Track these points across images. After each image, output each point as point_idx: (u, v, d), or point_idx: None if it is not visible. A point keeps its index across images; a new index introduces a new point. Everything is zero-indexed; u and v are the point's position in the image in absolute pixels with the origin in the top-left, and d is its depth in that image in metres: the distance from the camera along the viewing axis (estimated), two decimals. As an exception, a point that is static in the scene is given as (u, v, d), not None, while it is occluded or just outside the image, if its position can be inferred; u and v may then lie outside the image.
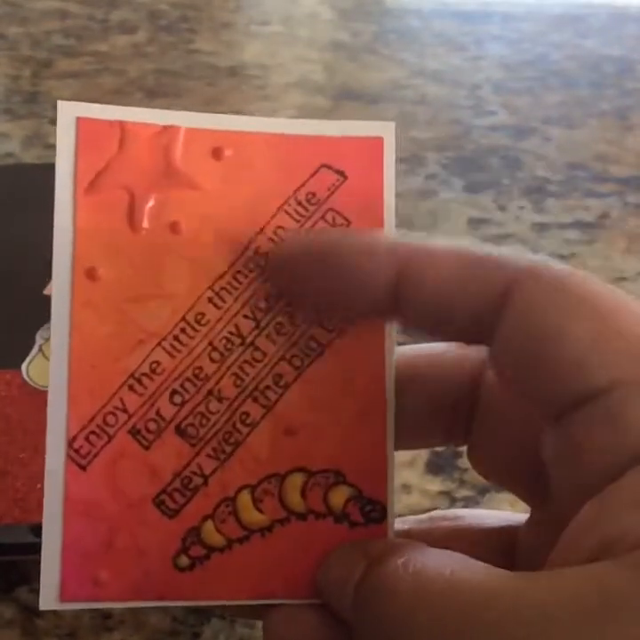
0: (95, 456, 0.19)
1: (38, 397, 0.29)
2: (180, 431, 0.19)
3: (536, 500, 0.20)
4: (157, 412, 0.19)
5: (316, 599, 0.19)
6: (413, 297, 0.18)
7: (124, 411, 0.19)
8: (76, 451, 0.19)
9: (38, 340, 0.31)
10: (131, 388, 0.19)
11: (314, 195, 0.20)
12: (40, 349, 0.31)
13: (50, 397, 0.19)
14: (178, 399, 0.19)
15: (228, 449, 0.19)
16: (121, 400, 0.19)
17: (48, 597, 0.19)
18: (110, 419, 0.19)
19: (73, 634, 0.27)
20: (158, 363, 0.19)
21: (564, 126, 0.50)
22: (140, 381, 0.19)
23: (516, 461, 0.20)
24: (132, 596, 0.19)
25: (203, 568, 0.19)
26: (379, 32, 0.64)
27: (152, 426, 0.19)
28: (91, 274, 0.19)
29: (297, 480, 0.19)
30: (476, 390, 0.20)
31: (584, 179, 0.46)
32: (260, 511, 0.19)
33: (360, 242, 0.18)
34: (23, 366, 0.30)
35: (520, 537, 0.20)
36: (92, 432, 0.19)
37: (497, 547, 0.20)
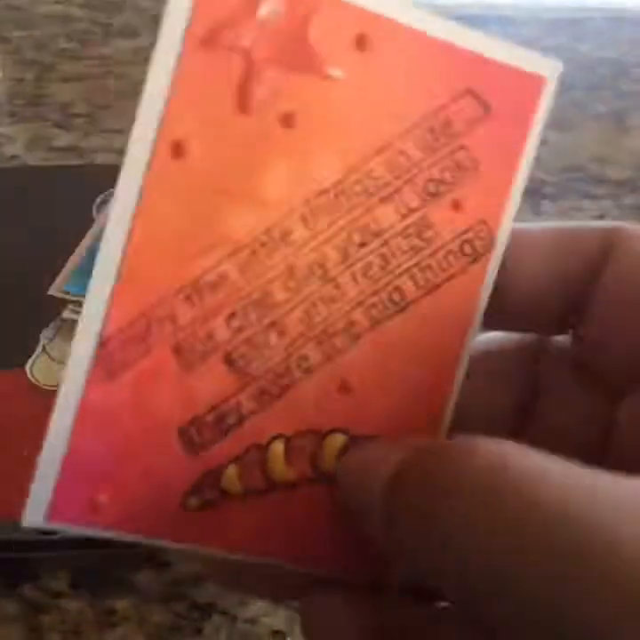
0: (127, 366, 0.16)
1: (43, 397, 0.29)
2: (228, 360, 0.17)
3: None
4: (209, 333, 0.16)
5: (333, 572, 0.17)
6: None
7: (173, 322, 0.16)
8: (108, 354, 0.16)
9: (42, 340, 0.32)
10: (187, 297, 0.16)
11: (450, 124, 0.17)
12: (44, 349, 0.31)
13: (89, 290, 0.16)
14: (236, 323, 0.16)
15: (275, 391, 0.17)
16: (172, 308, 0.16)
17: (34, 513, 0.16)
18: (155, 327, 0.16)
19: (77, 630, 0.27)
20: (226, 276, 0.16)
21: (560, 129, 0.50)
22: (199, 292, 0.16)
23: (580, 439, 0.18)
24: (129, 527, 0.16)
25: (212, 513, 0.17)
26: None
27: (199, 347, 0.16)
28: (178, 148, 0.15)
29: (337, 442, 0.17)
30: (535, 377, 0.19)
31: (580, 181, 0.46)
32: (290, 465, 0.17)
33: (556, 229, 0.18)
34: (28, 366, 0.31)
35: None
36: (131, 337, 0.16)
37: None
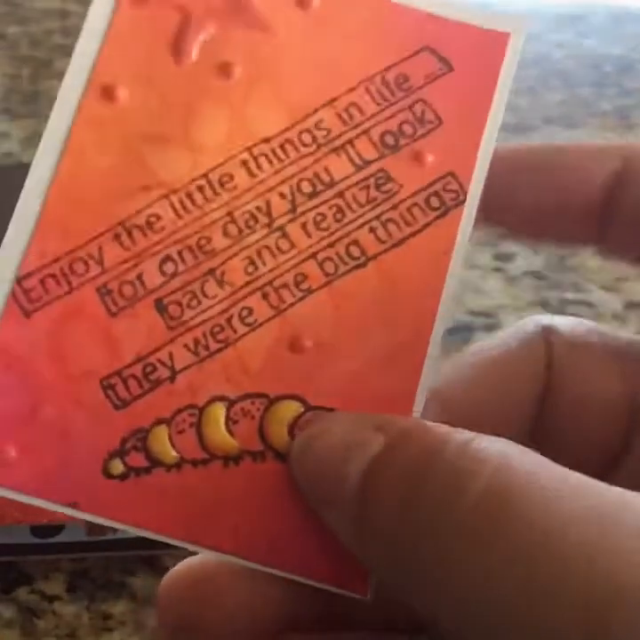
0: (46, 304, 0.15)
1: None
2: (159, 306, 0.15)
3: None
4: (139, 276, 0.16)
5: (273, 568, 0.15)
6: (634, 197, 0.16)
7: (99, 262, 0.15)
8: (25, 291, 0.15)
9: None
10: (116, 237, 0.15)
11: (407, 79, 0.17)
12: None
13: (12, 221, 0.15)
14: (169, 268, 0.16)
15: (213, 346, 0.15)
16: (99, 248, 0.15)
17: None
18: (79, 266, 0.15)
19: (72, 634, 0.27)
20: (159, 218, 0.16)
21: (564, 126, 0.50)
22: (129, 233, 0.16)
23: (587, 448, 0.18)
24: (38, 489, 0.15)
25: (137, 482, 0.15)
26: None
27: (128, 290, 0.15)
28: (108, 92, 0.16)
29: (288, 409, 0.15)
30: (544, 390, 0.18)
31: (584, 178, 0.46)
32: (231, 434, 0.15)
33: (574, 144, 0.17)
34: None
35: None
36: (52, 275, 0.15)
37: None
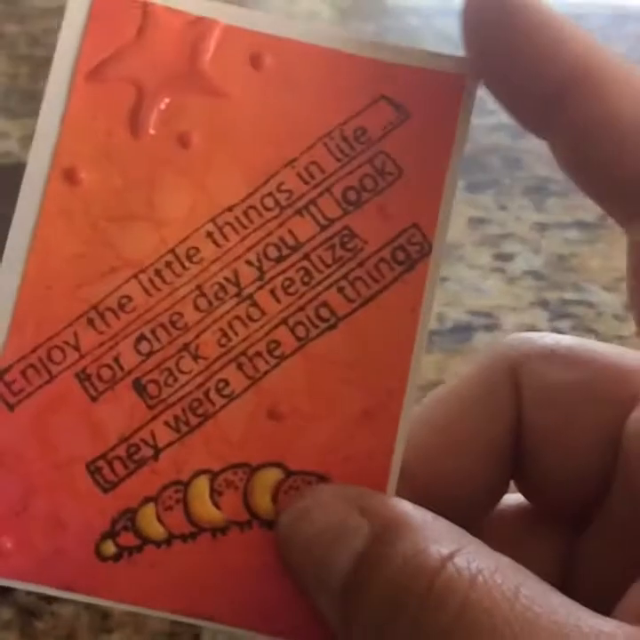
0: (28, 396, 0.16)
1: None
2: (138, 387, 0.16)
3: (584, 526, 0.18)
4: (116, 359, 0.16)
5: (269, 634, 0.15)
6: (585, 93, 0.15)
7: (76, 348, 0.16)
8: (7, 385, 0.16)
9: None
10: (90, 322, 0.16)
11: (365, 131, 0.16)
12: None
13: None
14: (144, 348, 0.16)
15: (194, 421, 0.16)
16: (75, 335, 0.16)
17: None
18: (56, 354, 0.16)
19: (71, 635, 0.27)
20: (130, 299, 0.16)
21: (564, 125, 0.50)
22: (102, 317, 0.16)
23: (567, 487, 0.18)
24: (35, 576, 0.15)
25: (130, 562, 0.16)
26: (378, 31, 0.63)
27: (106, 374, 0.16)
28: (70, 175, 0.16)
29: (270, 477, 0.16)
30: (519, 429, 0.18)
31: (584, 178, 0.46)
32: (217, 506, 0.16)
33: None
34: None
35: (581, 548, 0.18)
36: (32, 366, 0.16)
37: None
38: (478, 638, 0.12)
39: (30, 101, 0.51)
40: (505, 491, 0.19)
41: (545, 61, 0.15)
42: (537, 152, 0.48)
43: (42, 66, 0.54)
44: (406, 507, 0.14)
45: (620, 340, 0.37)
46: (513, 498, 0.20)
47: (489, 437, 0.18)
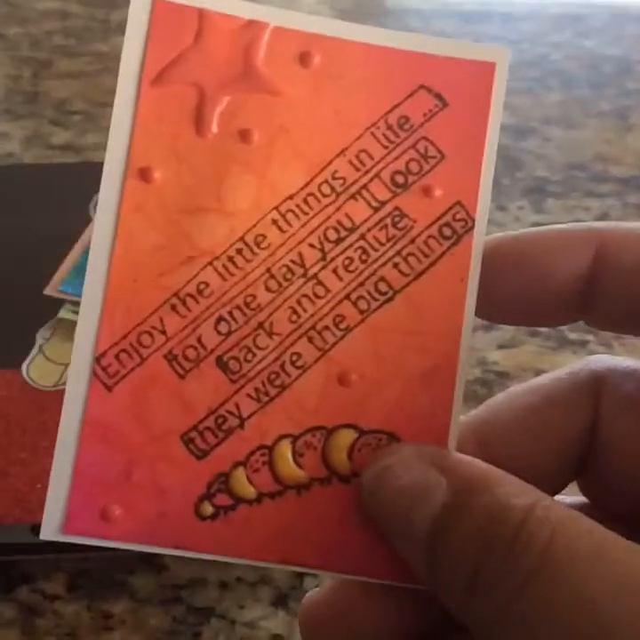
0: (123, 377, 0.17)
1: (39, 397, 0.29)
2: (221, 363, 0.17)
3: None
4: (199, 339, 0.17)
5: (353, 575, 0.17)
6: (611, 279, 0.17)
7: (163, 332, 0.17)
8: (104, 368, 0.17)
9: (39, 339, 0.31)
10: (173, 308, 0.17)
11: (407, 119, 0.18)
12: (40, 349, 0.31)
13: (82, 308, 0.17)
14: (224, 328, 0.18)
15: (272, 391, 0.18)
16: (160, 320, 0.17)
17: (50, 527, 0.17)
18: (145, 339, 0.17)
19: (73, 633, 0.27)
20: (207, 284, 0.17)
21: (563, 126, 0.50)
22: (184, 302, 0.17)
23: (632, 490, 0.19)
24: (143, 538, 0.17)
25: (226, 519, 0.17)
26: (379, 32, 0.64)
27: (191, 353, 0.17)
28: (145, 175, 0.17)
29: (345, 437, 0.18)
30: (591, 428, 0.19)
31: (584, 179, 0.46)
32: (299, 466, 0.17)
33: (551, 229, 0.18)
34: (23, 366, 0.30)
35: None
36: (124, 350, 0.17)
37: None
38: (561, 569, 0.13)
39: (32, 103, 0.51)
40: (564, 486, 0.20)
41: None
42: (536, 153, 0.48)
43: (44, 68, 0.54)
44: (482, 465, 0.16)
45: (619, 339, 0.37)
46: (567, 500, 0.21)
47: (564, 431, 0.19)
